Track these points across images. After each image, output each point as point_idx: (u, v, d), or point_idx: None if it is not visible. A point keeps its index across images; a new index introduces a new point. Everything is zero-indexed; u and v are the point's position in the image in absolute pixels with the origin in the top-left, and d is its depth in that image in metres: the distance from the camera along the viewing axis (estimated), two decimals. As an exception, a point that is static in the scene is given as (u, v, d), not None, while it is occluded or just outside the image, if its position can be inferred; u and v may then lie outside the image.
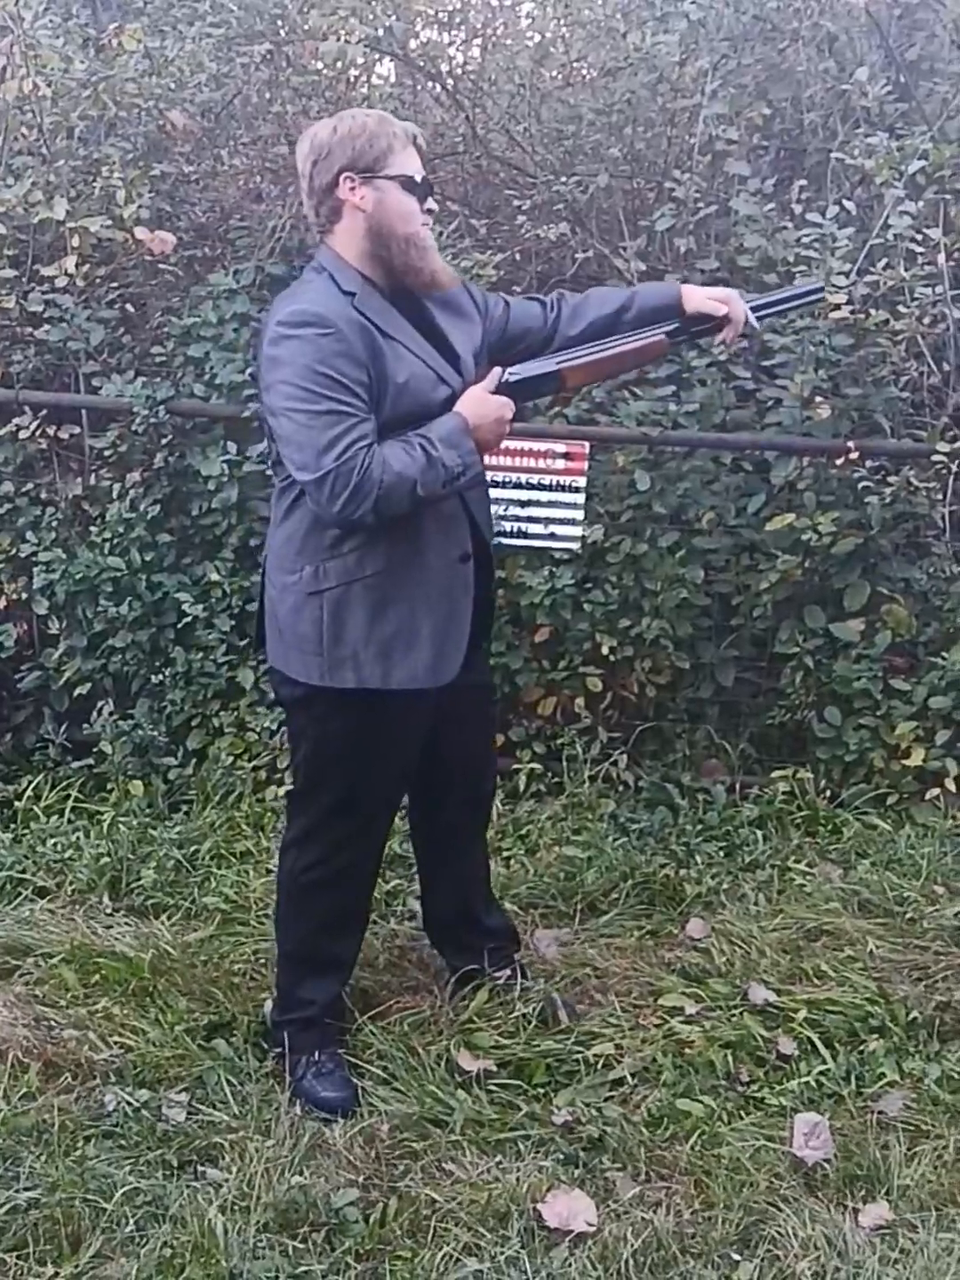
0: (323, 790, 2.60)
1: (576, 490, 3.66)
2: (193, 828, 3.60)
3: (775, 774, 3.76)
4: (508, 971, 2.91)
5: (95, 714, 3.89)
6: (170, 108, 4.04)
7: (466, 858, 2.92)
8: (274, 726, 3.75)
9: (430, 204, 2.43)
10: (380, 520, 2.33)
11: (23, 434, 3.89)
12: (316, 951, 2.69)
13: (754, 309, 2.64)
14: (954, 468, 3.62)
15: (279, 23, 4.21)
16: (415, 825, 2.92)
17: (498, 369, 2.48)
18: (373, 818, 2.65)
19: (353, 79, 4.45)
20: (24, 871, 3.42)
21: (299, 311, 2.32)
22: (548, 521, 3.68)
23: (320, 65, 4.13)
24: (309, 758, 2.62)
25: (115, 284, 4.06)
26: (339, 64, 4.05)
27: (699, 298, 2.60)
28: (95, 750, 3.88)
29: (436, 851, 2.90)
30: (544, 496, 3.67)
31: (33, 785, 3.78)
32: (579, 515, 3.67)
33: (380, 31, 4.09)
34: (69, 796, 3.75)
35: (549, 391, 2.64)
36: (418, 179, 2.40)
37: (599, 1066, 2.70)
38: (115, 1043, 2.77)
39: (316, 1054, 2.66)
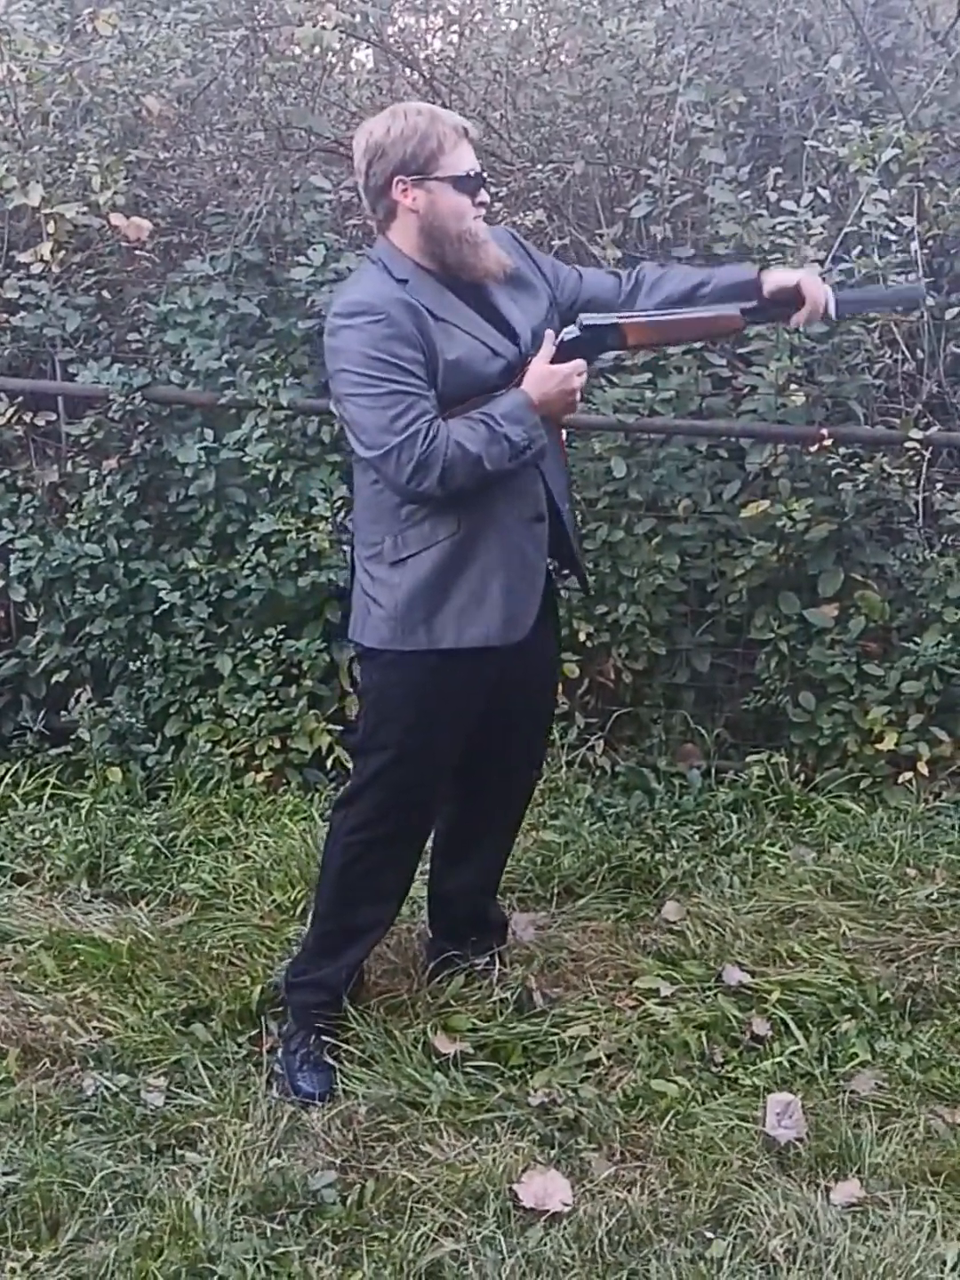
0: (378, 747, 2.63)
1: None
2: (171, 814, 3.61)
3: (750, 758, 3.78)
4: (486, 959, 2.94)
5: (73, 701, 3.89)
6: (146, 93, 4.01)
7: (496, 848, 2.95)
8: (252, 713, 3.76)
9: (483, 195, 2.49)
10: (447, 493, 2.40)
11: (-1, 421, 3.89)
12: (345, 916, 2.71)
13: (842, 302, 2.63)
14: (927, 454, 3.65)
15: (255, 8, 4.19)
16: (453, 807, 2.86)
17: (551, 332, 2.51)
18: (422, 783, 2.65)
19: (330, 65, 4.45)
20: (2, 858, 3.43)
21: (351, 302, 2.43)
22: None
23: (297, 51, 4.12)
24: (369, 711, 2.67)
25: (91, 270, 4.05)
26: (316, 50, 4.03)
27: (778, 274, 2.60)
28: (73, 737, 3.88)
29: (470, 833, 2.89)
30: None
31: (10, 772, 3.79)
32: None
33: (357, 18, 4.09)
34: (47, 783, 3.75)
35: (610, 346, 2.61)
36: (469, 175, 2.45)
37: (575, 1048, 2.72)
38: (94, 1028, 2.78)
39: (312, 1038, 2.67)
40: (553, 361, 2.48)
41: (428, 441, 2.35)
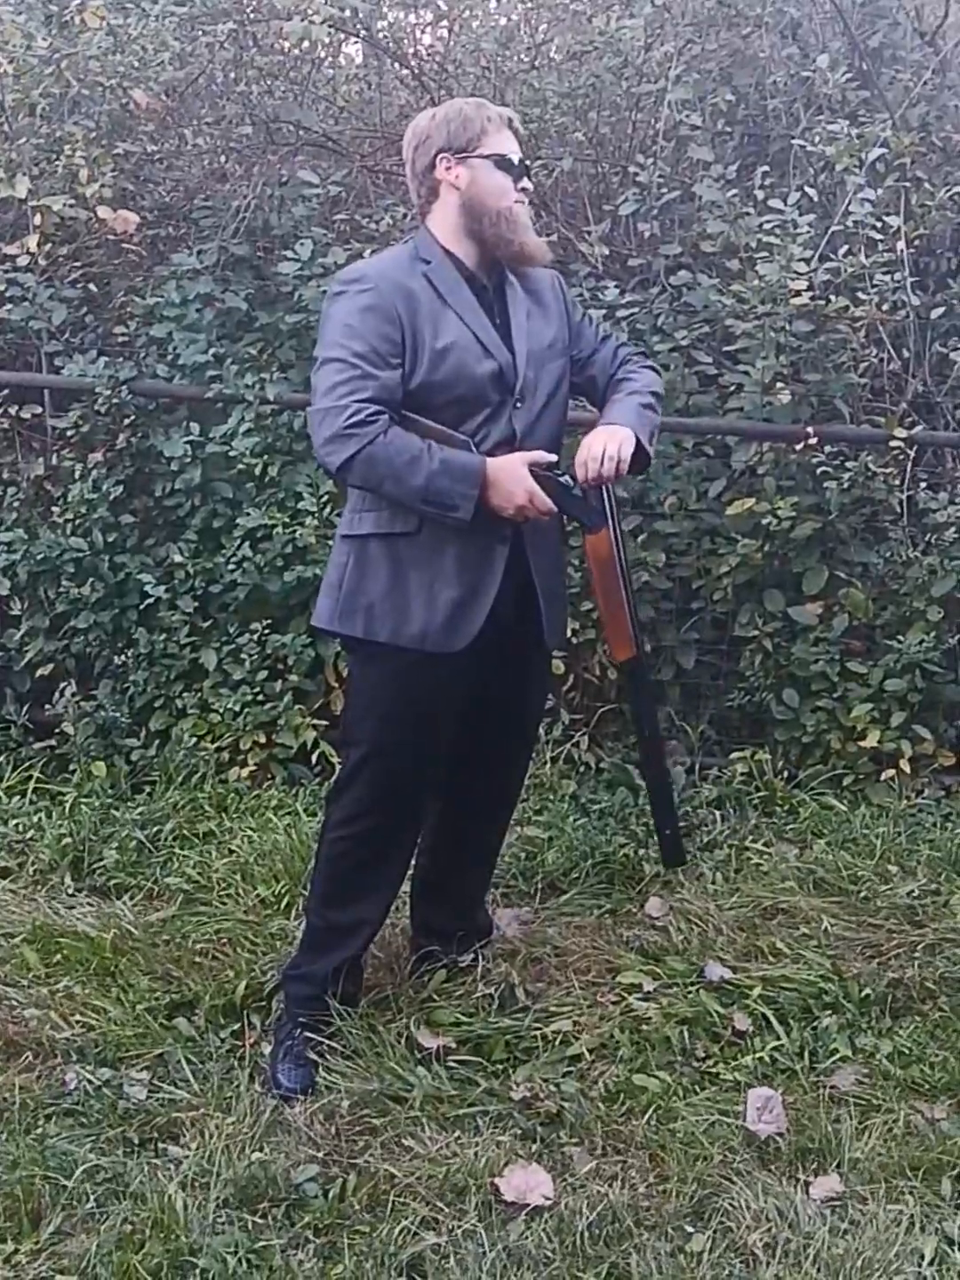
0: (356, 741, 2.64)
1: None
2: (155, 808, 3.60)
3: (734, 755, 3.80)
4: (470, 957, 2.94)
5: (57, 695, 3.89)
6: (134, 86, 4.01)
7: (478, 863, 2.95)
8: (237, 708, 3.76)
9: (526, 183, 2.53)
10: (347, 477, 2.41)
11: (-16, 414, 3.88)
12: (333, 912, 2.71)
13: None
14: (911, 453, 3.67)
15: (244, 1, 4.19)
16: (438, 806, 2.85)
17: (552, 457, 2.48)
18: (402, 779, 2.62)
19: (318, 60, 4.44)
20: (-15, 852, 3.43)
21: (350, 271, 2.53)
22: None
23: (286, 45, 4.12)
24: (350, 704, 2.70)
25: (78, 263, 4.05)
26: (304, 44, 4.03)
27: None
28: (57, 731, 3.87)
29: (454, 835, 2.89)
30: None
31: (-6, 766, 3.78)
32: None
33: (346, 12, 4.08)
34: (31, 777, 3.75)
35: (576, 521, 2.60)
36: (513, 159, 2.50)
37: (557, 1043, 2.73)
38: (77, 1022, 2.78)
39: (297, 1033, 2.67)
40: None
41: (353, 420, 2.34)
